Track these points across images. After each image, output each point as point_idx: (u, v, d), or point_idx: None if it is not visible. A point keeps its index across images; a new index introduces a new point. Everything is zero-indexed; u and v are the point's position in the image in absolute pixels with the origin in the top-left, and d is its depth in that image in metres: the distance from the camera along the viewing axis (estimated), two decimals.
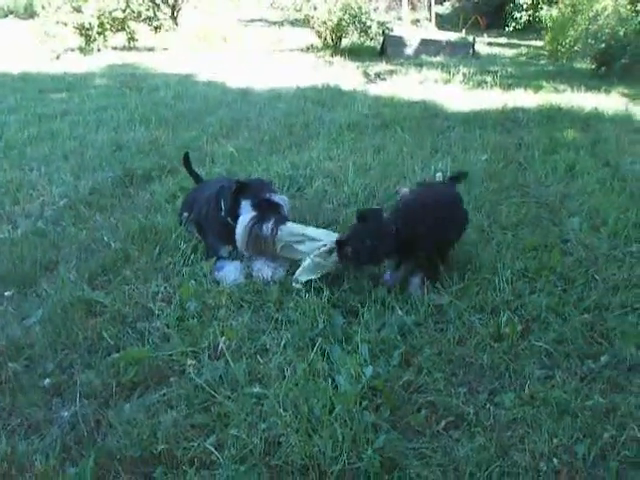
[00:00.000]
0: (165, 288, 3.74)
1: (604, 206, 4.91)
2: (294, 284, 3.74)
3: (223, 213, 4.12)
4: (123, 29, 17.08)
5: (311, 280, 3.70)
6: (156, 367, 3.04)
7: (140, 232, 4.45)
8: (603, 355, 3.10)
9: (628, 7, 12.43)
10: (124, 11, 16.55)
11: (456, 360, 3.08)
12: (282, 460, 2.44)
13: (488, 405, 2.77)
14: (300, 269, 3.78)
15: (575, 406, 2.73)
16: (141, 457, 2.49)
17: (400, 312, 3.41)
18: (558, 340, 3.23)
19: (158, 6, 18.77)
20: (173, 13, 20.52)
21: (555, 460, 2.45)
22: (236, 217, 4.00)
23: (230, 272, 3.93)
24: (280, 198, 4.09)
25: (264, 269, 3.94)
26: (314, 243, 3.86)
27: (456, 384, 2.91)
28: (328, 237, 3.88)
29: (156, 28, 18.49)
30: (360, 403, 2.68)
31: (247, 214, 3.95)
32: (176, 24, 20.44)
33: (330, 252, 3.74)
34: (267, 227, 3.89)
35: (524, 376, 2.96)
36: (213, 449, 2.50)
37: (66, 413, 2.75)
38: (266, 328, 3.33)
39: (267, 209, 3.95)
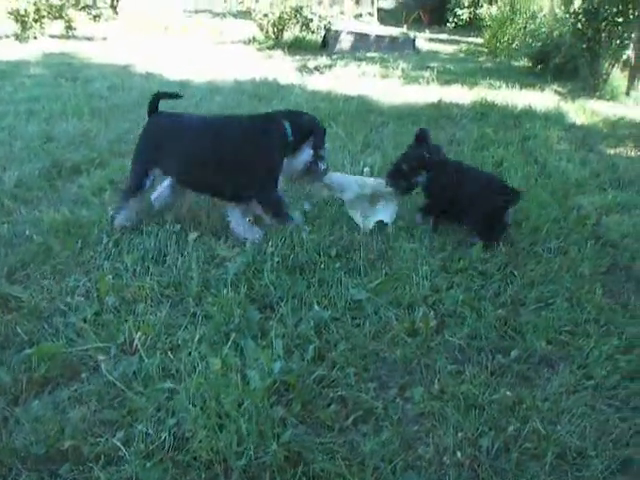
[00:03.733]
0: (84, 283, 3.69)
1: (527, 202, 4.99)
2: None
3: (291, 138, 4.41)
4: (61, 17, 16.70)
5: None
6: (69, 363, 3.00)
7: (64, 226, 4.38)
8: (514, 349, 3.17)
9: (562, 8, 12.66)
10: None
11: (369, 355, 3.11)
12: (189, 455, 2.44)
13: (398, 399, 2.82)
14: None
15: (482, 400, 2.78)
16: (47, 454, 2.45)
17: (317, 307, 3.43)
18: (472, 335, 3.29)
19: None
20: (113, 2, 20.22)
21: (459, 453, 2.49)
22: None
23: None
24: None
25: (249, 231, 4.34)
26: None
27: (367, 379, 2.94)
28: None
29: (95, 17, 18.15)
30: (269, 398, 2.69)
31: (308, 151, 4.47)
32: (116, 13, 20.15)
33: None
34: (322, 166, 4.53)
35: (435, 371, 3.01)
36: (120, 445, 2.48)
37: None
38: (183, 323, 3.31)
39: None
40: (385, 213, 4.59)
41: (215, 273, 3.82)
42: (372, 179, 4.79)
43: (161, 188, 4.64)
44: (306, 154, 4.45)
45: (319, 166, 4.51)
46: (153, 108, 4.55)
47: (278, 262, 3.86)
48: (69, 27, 17.03)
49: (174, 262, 3.94)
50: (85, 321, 3.32)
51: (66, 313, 3.42)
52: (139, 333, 3.16)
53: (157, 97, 4.56)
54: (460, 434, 2.59)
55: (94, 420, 2.64)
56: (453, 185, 4.43)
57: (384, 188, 4.61)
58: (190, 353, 3.03)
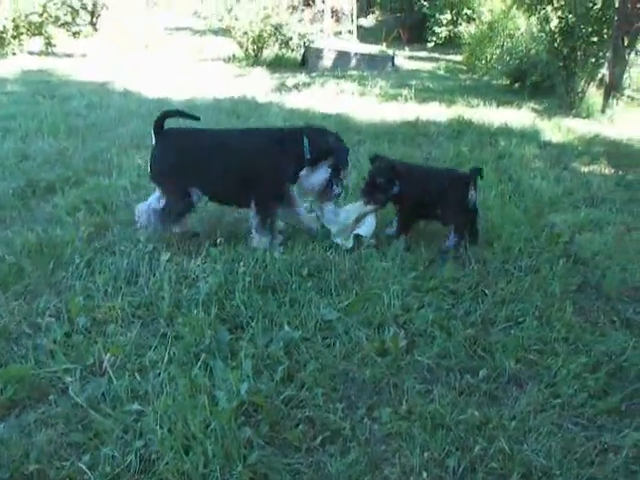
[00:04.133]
0: (55, 303, 3.68)
1: (500, 220, 5.03)
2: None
3: (308, 155, 4.51)
4: (40, 34, 16.70)
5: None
6: (37, 385, 2.99)
7: (37, 246, 4.36)
8: (482, 369, 3.18)
9: (539, 27, 12.80)
10: (41, 15, 16.21)
11: (339, 375, 3.12)
12: (155, 478, 2.44)
13: (365, 420, 2.82)
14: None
15: (450, 420, 2.79)
16: (11, 479, 2.44)
17: (288, 327, 3.44)
18: (441, 355, 3.30)
19: (77, 11, 18.43)
20: (92, 19, 20.21)
21: (425, 474, 2.50)
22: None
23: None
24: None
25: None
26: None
27: (336, 399, 2.94)
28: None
29: (75, 33, 18.15)
30: (237, 419, 2.69)
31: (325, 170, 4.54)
32: (95, 30, 20.14)
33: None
34: (337, 189, 4.60)
35: (404, 390, 3.02)
36: (86, 468, 2.47)
37: None
38: (153, 343, 3.30)
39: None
40: (363, 228, 4.65)
41: (187, 293, 3.81)
42: (357, 204, 4.83)
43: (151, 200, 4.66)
44: (322, 173, 4.54)
45: (333, 188, 4.58)
46: (160, 126, 4.57)
47: (250, 282, 3.86)
48: (48, 44, 17.05)
49: (146, 282, 3.94)
50: (55, 342, 3.30)
51: (36, 334, 3.40)
52: (108, 354, 3.16)
53: (165, 115, 4.59)
54: (427, 454, 2.60)
55: (60, 443, 2.62)
56: (423, 187, 4.64)
57: (365, 208, 4.71)
58: (159, 374, 3.03)
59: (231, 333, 3.41)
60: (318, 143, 4.50)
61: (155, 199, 4.59)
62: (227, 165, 4.48)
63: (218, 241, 4.38)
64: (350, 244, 4.52)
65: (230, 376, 2.92)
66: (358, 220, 4.71)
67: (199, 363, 3.08)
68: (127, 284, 3.94)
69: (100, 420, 2.72)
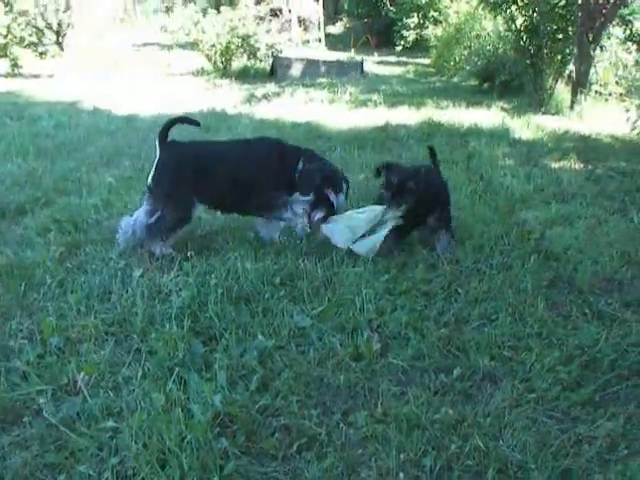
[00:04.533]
0: (28, 325, 3.65)
1: (471, 220, 5.06)
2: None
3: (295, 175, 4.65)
4: (6, 55, 16.58)
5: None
6: (11, 407, 2.96)
7: (7, 268, 4.33)
8: (456, 368, 3.20)
9: (504, 26, 12.90)
10: (5, 36, 16.10)
11: (314, 382, 3.12)
12: None
13: (341, 424, 2.81)
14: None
15: (425, 420, 2.80)
16: None
17: (261, 337, 3.43)
18: (415, 356, 3.31)
19: (42, 32, 18.31)
20: (58, 38, 20.12)
21: (402, 474, 2.50)
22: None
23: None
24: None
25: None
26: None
27: (311, 406, 2.94)
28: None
29: (41, 54, 18.04)
30: (213, 431, 2.69)
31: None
32: (62, 49, 20.06)
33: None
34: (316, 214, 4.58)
35: (379, 394, 3.02)
36: None
37: None
38: (127, 360, 3.29)
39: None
40: (368, 243, 4.51)
41: (160, 308, 3.80)
42: (365, 212, 4.66)
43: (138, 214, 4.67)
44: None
45: (314, 213, 4.61)
46: (165, 136, 4.63)
47: (222, 293, 3.86)
48: (15, 65, 16.89)
49: (119, 299, 3.92)
50: (28, 364, 3.27)
51: (9, 357, 3.37)
52: (82, 373, 3.13)
53: (169, 124, 4.66)
54: (403, 455, 2.60)
55: (36, 464, 2.60)
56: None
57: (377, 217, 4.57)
58: (133, 390, 3.02)
59: (205, 345, 3.40)
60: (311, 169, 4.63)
61: (143, 213, 4.59)
62: (232, 176, 4.59)
63: (189, 254, 4.38)
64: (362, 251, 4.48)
65: (205, 388, 2.92)
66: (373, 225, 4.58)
67: (173, 377, 3.07)
68: (100, 302, 3.91)
69: (75, 439, 2.70)
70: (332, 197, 4.59)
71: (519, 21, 12.03)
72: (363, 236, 4.47)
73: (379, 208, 4.54)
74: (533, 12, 11.63)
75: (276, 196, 4.63)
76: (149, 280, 4.15)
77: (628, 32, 11.97)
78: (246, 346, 3.37)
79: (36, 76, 16.81)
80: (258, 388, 3.03)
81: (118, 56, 20.01)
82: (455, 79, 16.80)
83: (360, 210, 4.66)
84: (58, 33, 20.12)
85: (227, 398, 2.90)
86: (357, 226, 4.48)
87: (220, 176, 4.58)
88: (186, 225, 4.66)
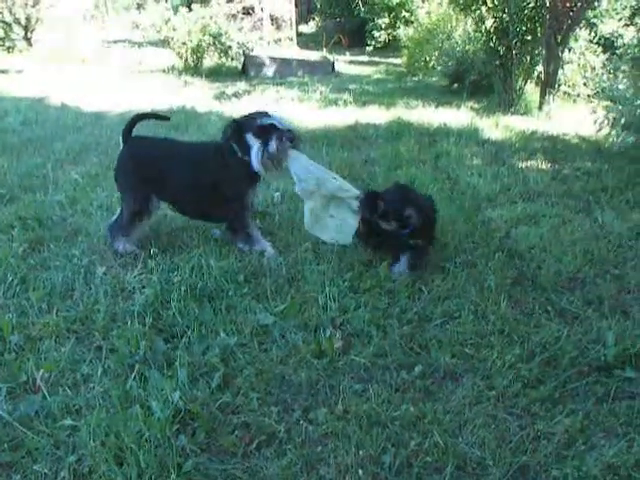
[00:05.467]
0: None
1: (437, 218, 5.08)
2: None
3: (240, 154, 4.40)
4: None
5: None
6: None
7: None
8: (418, 365, 3.21)
9: (474, 27, 12.95)
10: None
11: (274, 379, 3.11)
12: None
13: (301, 422, 2.82)
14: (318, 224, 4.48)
15: (385, 417, 2.81)
16: None
17: (223, 334, 3.42)
18: (377, 354, 3.32)
19: (10, 26, 18.13)
20: (26, 34, 19.92)
21: (361, 471, 2.51)
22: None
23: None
24: (273, 118, 4.42)
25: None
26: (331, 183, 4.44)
27: (271, 403, 2.94)
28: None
29: (9, 49, 17.85)
30: (172, 428, 2.68)
31: (254, 145, 4.33)
32: (30, 45, 19.87)
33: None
34: (272, 147, 4.28)
35: (340, 391, 3.02)
36: None
37: None
38: (88, 357, 3.27)
39: (266, 132, 4.30)
40: (342, 232, 4.48)
41: (123, 305, 3.78)
42: (337, 181, 4.53)
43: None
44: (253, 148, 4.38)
45: (269, 147, 4.32)
46: (129, 131, 4.61)
47: (186, 291, 3.84)
48: None
49: (81, 297, 3.89)
50: None
51: None
52: (42, 370, 3.11)
53: (135, 120, 4.63)
54: (362, 452, 2.61)
55: None
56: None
57: (345, 193, 4.47)
58: (93, 387, 3.00)
59: (167, 343, 3.39)
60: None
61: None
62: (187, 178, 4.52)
63: (153, 252, 4.35)
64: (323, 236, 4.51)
65: (165, 385, 2.91)
66: (333, 202, 4.49)
67: (134, 374, 3.05)
68: (62, 299, 3.89)
69: (31, 438, 2.68)
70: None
71: (489, 22, 12.08)
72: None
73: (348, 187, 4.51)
74: (502, 13, 11.68)
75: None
76: (113, 277, 4.12)
77: (593, 35, 12.08)
78: (208, 344, 3.37)
79: (3, 71, 16.57)
80: (219, 385, 3.03)
81: (88, 52, 19.80)
82: (426, 79, 16.85)
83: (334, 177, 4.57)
84: (26, 28, 19.93)
85: (188, 395, 2.90)
86: (321, 211, 4.49)
87: (176, 176, 4.52)
88: (145, 220, 4.59)
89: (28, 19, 19.78)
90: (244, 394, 2.98)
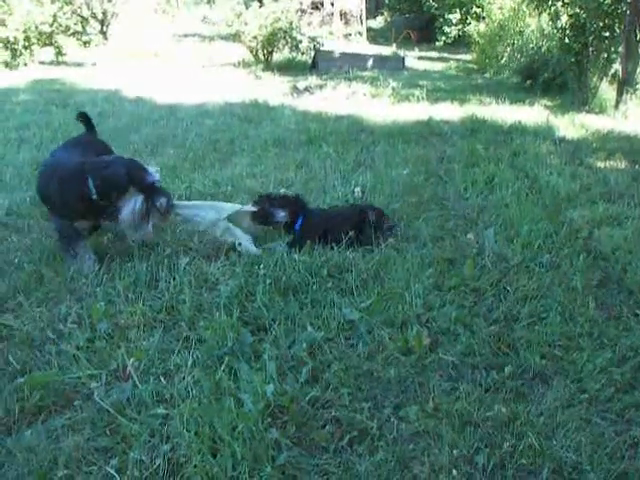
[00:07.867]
0: (76, 310, 3.67)
1: (519, 217, 5.01)
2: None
3: (95, 196, 4.03)
4: (51, 44, 16.75)
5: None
6: (62, 391, 2.98)
7: (55, 253, 4.37)
8: (507, 365, 3.16)
9: (550, 23, 12.74)
10: (51, 25, 16.24)
11: (363, 375, 3.10)
12: None
13: (392, 419, 2.80)
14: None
15: (477, 417, 2.78)
16: None
17: (310, 328, 3.43)
18: (465, 352, 3.28)
19: (87, 20, 18.49)
20: (102, 28, 20.31)
21: (454, 471, 2.48)
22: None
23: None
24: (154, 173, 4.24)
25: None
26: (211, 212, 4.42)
27: (362, 399, 2.92)
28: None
29: (85, 43, 18.20)
30: (264, 421, 2.68)
31: (135, 198, 4.07)
32: (105, 39, 20.25)
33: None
34: (161, 204, 4.11)
35: (429, 389, 3.00)
36: (114, 472, 2.46)
37: None
38: (176, 347, 3.30)
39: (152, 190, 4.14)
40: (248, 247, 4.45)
41: (208, 297, 3.81)
42: (228, 205, 4.63)
43: None
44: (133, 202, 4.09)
45: (156, 203, 4.13)
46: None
47: (270, 284, 3.85)
48: (59, 53, 17.09)
49: (166, 287, 3.93)
50: (78, 348, 3.30)
51: (58, 341, 3.40)
52: (132, 359, 3.15)
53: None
54: (455, 452, 2.58)
55: (88, 448, 2.62)
56: None
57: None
58: (184, 378, 3.03)
59: (253, 335, 3.40)
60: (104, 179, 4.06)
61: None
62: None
63: (237, 243, 4.38)
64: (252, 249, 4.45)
65: (255, 378, 2.91)
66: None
67: (223, 366, 3.07)
68: (147, 289, 3.94)
69: (126, 424, 2.72)
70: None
71: (564, 18, 11.87)
72: None
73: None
74: (579, 9, 11.45)
75: None
76: (196, 268, 4.15)
77: None
78: (295, 337, 3.37)
79: (80, 64, 16.95)
80: (308, 380, 3.03)
81: (159, 46, 20.09)
82: (497, 76, 16.64)
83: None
84: (102, 22, 20.33)
85: (277, 389, 2.89)
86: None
87: None
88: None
89: (104, 13, 20.18)
90: (334, 389, 2.97)
